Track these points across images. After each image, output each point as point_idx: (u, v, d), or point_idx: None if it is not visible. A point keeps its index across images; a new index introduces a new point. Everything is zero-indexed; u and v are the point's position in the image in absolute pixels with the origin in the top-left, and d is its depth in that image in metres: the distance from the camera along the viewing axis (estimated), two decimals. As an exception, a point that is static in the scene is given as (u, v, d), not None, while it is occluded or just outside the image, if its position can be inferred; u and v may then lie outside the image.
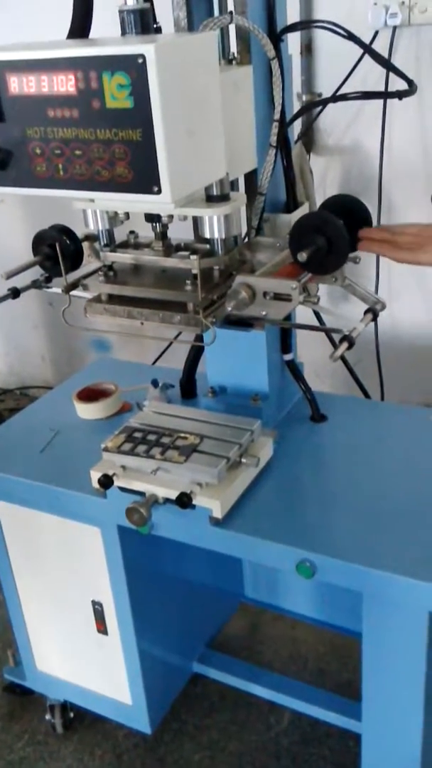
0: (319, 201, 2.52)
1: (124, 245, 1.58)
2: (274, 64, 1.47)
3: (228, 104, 1.30)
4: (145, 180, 1.13)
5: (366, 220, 1.51)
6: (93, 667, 1.96)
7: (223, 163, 1.28)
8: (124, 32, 1.27)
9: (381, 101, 2.33)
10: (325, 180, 2.58)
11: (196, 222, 1.58)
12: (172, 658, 2.08)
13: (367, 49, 1.62)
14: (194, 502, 1.47)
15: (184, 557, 1.96)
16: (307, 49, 2.43)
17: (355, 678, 2.10)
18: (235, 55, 1.50)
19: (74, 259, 1.58)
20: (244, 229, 1.63)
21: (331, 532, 1.46)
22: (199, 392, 1.93)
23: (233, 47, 1.50)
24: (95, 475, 1.57)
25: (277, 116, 1.52)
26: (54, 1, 2.13)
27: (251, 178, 1.59)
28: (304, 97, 2.48)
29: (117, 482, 1.55)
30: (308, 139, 2.52)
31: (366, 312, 1.43)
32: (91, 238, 1.60)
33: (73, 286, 1.53)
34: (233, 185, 1.49)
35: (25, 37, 1.87)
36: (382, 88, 2.31)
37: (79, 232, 1.61)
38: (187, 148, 1.16)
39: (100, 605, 1.82)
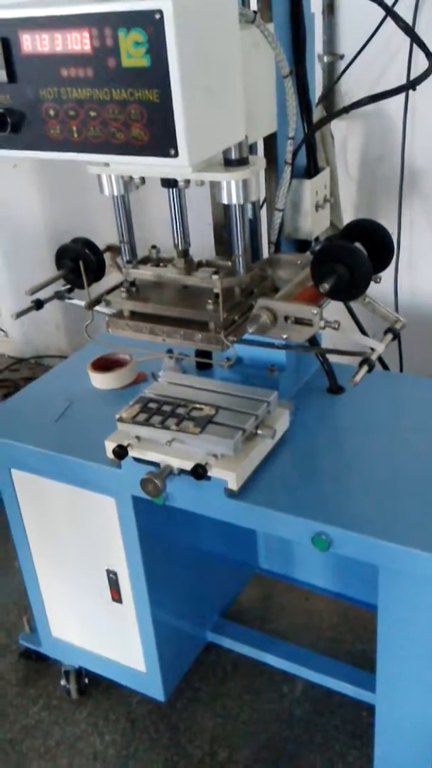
0: (339, 166, 2.47)
1: (146, 260, 1.58)
2: (288, 82, 1.40)
3: (247, 63, 1.26)
4: (162, 143, 1.10)
5: (387, 245, 1.48)
6: (107, 635, 1.97)
7: (242, 125, 1.24)
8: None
9: (404, 62, 2.25)
10: (346, 145, 2.51)
11: (219, 235, 1.59)
12: (185, 627, 2.09)
13: (390, 12, 1.55)
14: (209, 473, 1.46)
15: (198, 527, 1.95)
16: (330, 9, 2.34)
17: (369, 649, 2.11)
18: (256, 12, 1.44)
19: (97, 272, 1.62)
20: (263, 195, 1.59)
21: (347, 504, 1.45)
22: (214, 363, 1.90)
23: (254, 5, 1.45)
24: (110, 446, 1.56)
25: (291, 133, 1.46)
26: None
27: (270, 141, 1.54)
28: (325, 59, 2.40)
29: (132, 453, 1.54)
30: (329, 102, 2.45)
31: (386, 332, 1.43)
32: (114, 249, 1.63)
33: (96, 301, 1.54)
34: (252, 149, 1.45)
35: None
36: (406, 52, 2.23)
37: (96, 231, 1.60)
38: (205, 110, 1.12)
39: (115, 574, 1.82)
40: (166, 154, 1.10)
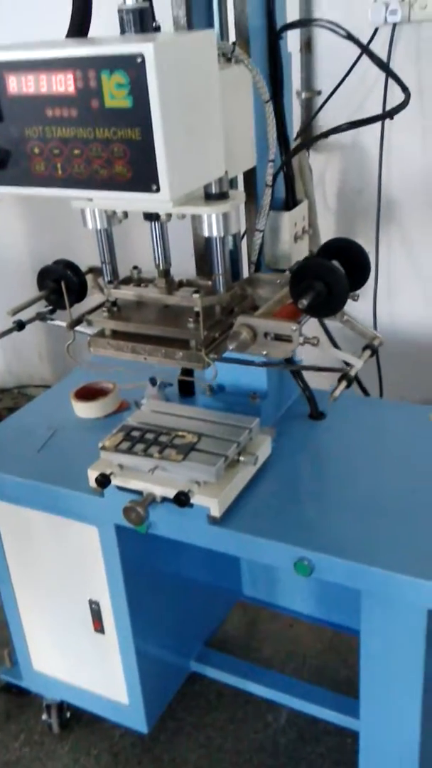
0: (318, 198, 2.52)
1: (128, 281, 1.60)
2: (268, 107, 1.47)
3: (226, 102, 1.30)
4: (144, 178, 1.13)
5: (363, 263, 1.52)
6: (89, 667, 1.96)
7: (221, 161, 1.27)
8: (123, 31, 1.27)
9: (381, 97, 2.32)
10: (324, 177, 2.58)
11: (201, 257, 1.61)
12: (169, 657, 2.08)
13: (366, 50, 1.61)
14: (192, 500, 1.47)
15: (182, 555, 1.96)
16: (307, 47, 2.42)
17: (353, 675, 2.10)
18: (234, 52, 1.49)
19: (78, 293, 1.63)
20: (243, 227, 1.63)
21: (329, 530, 1.46)
22: (197, 390, 1.92)
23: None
24: (93, 474, 1.57)
25: (272, 156, 1.52)
26: (53, 1, 2.13)
27: (250, 175, 1.58)
28: (303, 95, 2.47)
29: (114, 481, 1.55)
30: (307, 136, 2.51)
31: (364, 348, 1.46)
32: (96, 270, 1.64)
33: (78, 321, 1.56)
34: (232, 183, 1.49)
35: (24, 37, 1.87)
36: (381, 86, 2.30)
37: (80, 245, 1.62)
38: (185, 147, 1.15)
39: (97, 604, 1.82)
40: (149, 190, 1.14)
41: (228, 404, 1.76)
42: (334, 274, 1.36)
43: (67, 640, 1.95)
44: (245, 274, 1.68)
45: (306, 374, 1.86)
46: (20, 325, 1.70)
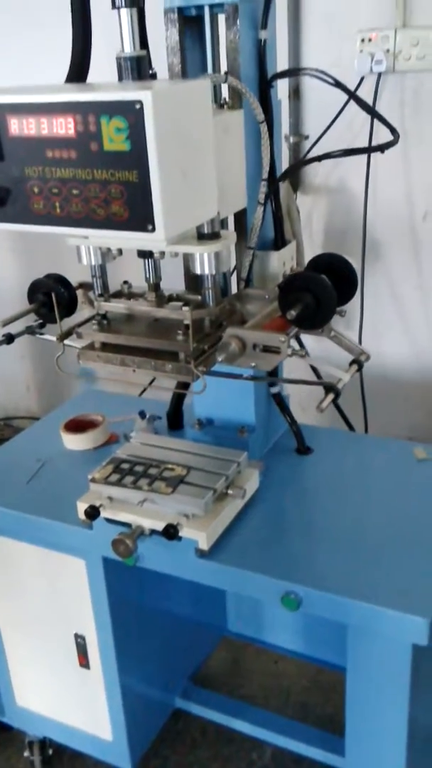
0: (305, 239, 2.59)
1: (118, 295, 1.63)
2: (263, 128, 1.53)
3: (219, 146, 1.35)
4: (140, 218, 1.17)
5: (351, 279, 1.57)
6: (74, 702, 1.94)
7: (214, 203, 1.32)
8: (121, 77, 1.32)
9: (366, 144, 2.40)
10: (311, 218, 2.65)
11: (188, 272, 1.64)
12: (154, 693, 2.07)
13: (353, 96, 1.68)
14: (181, 533, 1.48)
15: (168, 590, 1.96)
16: (295, 93, 2.51)
17: (338, 713, 2.10)
18: (227, 99, 1.55)
19: (69, 307, 1.64)
20: (233, 265, 1.67)
21: (316, 564, 1.48)
22: (185, 424, 1.95)
23: (225, 92, 1.56)
24: (82, 506, 1.58)
25: (265, 175, 1.57)
26: (50, 44, 2.20)
27: (241, 216, 1.63)
28: (291, 139, 2.55)
29: (104, 513, 1.56)
30: (295, 178, 2.59)
31: (351, 363, 1.49)
32: (86, 286, 1.66)
33: (67, 334, 1.58)
34: (223, 223, 1.53)
35: (22, 78, 1.92)
36: (367, 131, 2.38)
37: (71, 275, 1.65)
38: (180, 189, 1.20)
39: (83, 638, 1.81)
40: (144, 229, 1.18)
41: (216, 438, 1.79)
42: (323, 286, 1.40)
43: (51, 675, 1.93)
44: (234, 289, 1.71)
45: (292, 410, 1.90)
46: (9, 338, 1.69)
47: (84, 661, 1.83)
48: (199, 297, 1.53)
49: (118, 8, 1.30)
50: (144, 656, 1.92)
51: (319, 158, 1.78)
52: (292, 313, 1.38)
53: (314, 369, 1.92)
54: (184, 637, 2.19)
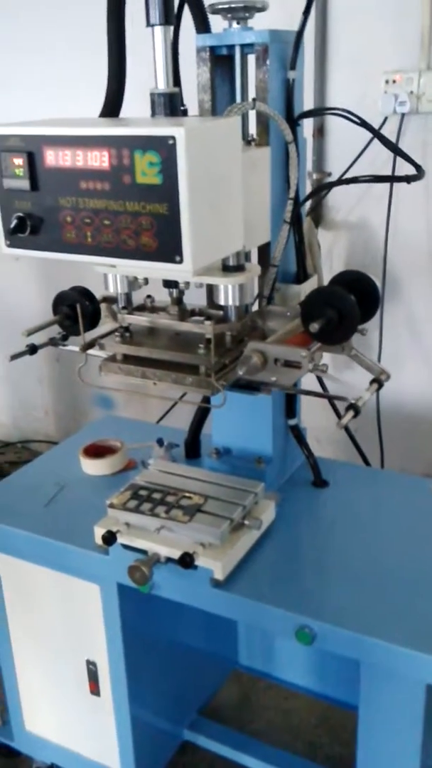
0: (325, 273, 2.62)
1: (141, 308, 1.64)
2: (291, 148, 1.57)
3: (246, 181, 1.38)
4: (169, 250, 1.20)
5: (374, 296, 1.58)
6: (83, 730, 1.92)
7: (240, 236, 1.35)
8: (154, 113, 1.36)
9: (388, 183, 2.44)
10: (331, 253, 2.68)
11: (210, 288, 1.66)
12: (163, 724, 2.05)
13: (378, 135, 1.72)
14: (196, 562, 1.48)
15: (181, 620, 1.95)
16: (319, 132, 2.56)
17: (347, 753, 2.07)
18: (254, 136, 1.59)
19: (92, 320, 1.65)
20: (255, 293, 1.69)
21: (331, 599, 1.47)
22: (203, 452, 1.96)
23: (252, 129, 1.60)
24: (99, 531, 1.58)
25: (292, 195, 1.60)
26: (82, 80, 2.27)
27: (264, 249, 1.66)
28: (314, 176, 2.59)
29: (120, 539, 1.56)
30: (317, 214, 2.63)
31: (372, 382, 1.49)
32: (109, 299, 1.67)
33: (90, 345, 1.59)
34: (246, 256, 1.56)
35: (55, 110, 1.98)
36: (388, 171, 2.42)
37: (92, 286, 1.67)
38: (208, 222, 1.23)
39: (94, 665, 1.80)
40: (172, 261, 1.21)
41: (233, 467, 1.79)
42: (346, 301, 1.41)
43: (61, 701, 1.92)
44: (256, 307, 1.72)
45: (308, 443, 1.90)
46: (33, 349, 1.70)
47: (95, 688, 1.82)
48: (221, 312, 1.55)
49: (153, 26, 1.33)
50: (155, 685, 1.91)
51: (347, 181, 1.81)
52: (315, 326, 1.39)
53: (321, 383, 1.90)
54: (195, 669, 2.17)
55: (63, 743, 1.97)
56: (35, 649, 1.91)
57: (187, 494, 1.61)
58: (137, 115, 1.42)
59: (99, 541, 1.58)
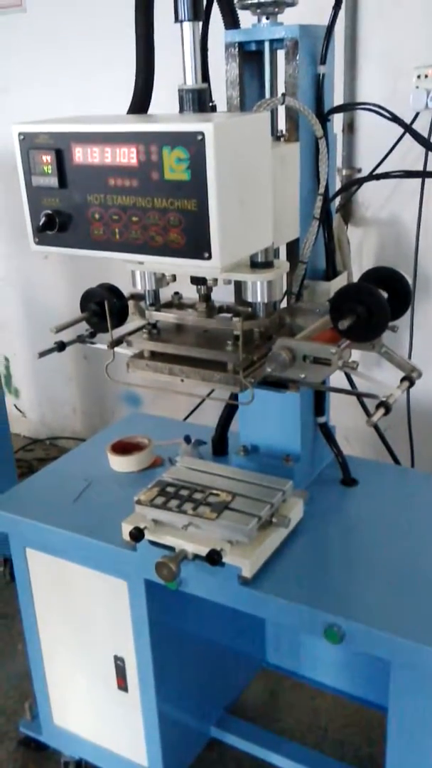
0: (355, 270, 2.59)
1: (169, 305, 1.64)
2: (322, 143, 1.55)
3: (275, 178, 1.37)
4: (197, 246, 1.20)
5: (405, 293, 1.56)
6: (111, 725, 1.93)
7: (269, 232, 1.34)
8: (182, 109, 1.36)
9: (419, 179, 2.41)
10: (361, 250, 2.65)
11: (238, 285, 1.65)
12: (190, 721, 2.05)
13: (410, 129, 1.69)
14: (224, 559, 1.48)
15: (208, 617, 1.95)
16: (349, 128, 2.54)
17: (376, 752, 2.05)
18: (283, 132, 1.58)
19: (120, 317, 1.66)
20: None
21: (360, 597, 1.46)
22: (230, 450, 1.95)
23: (281, 125, 1.59)
24: (127, 528, 1.59)
25: (321, 190, 1.59)
26: (110, 78, 2.28)
27: (293, 246, 1.65)
28: (344, 172, 2.57)
29: (148, 536, 1.56)
30: (346, 211, 2.60)
31: (403, 379, 1.47)
32: (137, 297, 1.67)
33: (118, 342, 1.60)
34: (275, 253, 1.55)
35: (81, 106, 1.96)
36: (420, 167, 2.39)
37: (118, 282, 1.67)
38: (237, 219, 1.22)
39: (122, 661, 1.81)
40: (200, 257, 1.20)
41: (261, 465, 1.78)
42: (376, 298, 1.40)
43: (89, 696, 1.93)
44: (284, 303, 1.71)
45: (339, 442, 1.88)
46: (61, 346, 1.71)
47: (122, 684, 1.83)
48: (249, 309, 1.54)
49: (181, 22, 1.32)
50: (182, 682, 1.91)
51: (378, 176, 1.78)
52: (345, 323, 1.37)
53: (350, 380, 1.89)
54: (222, 666, 2.17)
55: (91, 738, 1.98)
56: (63, 645, 1.92)
57: (214, 491, 1.61)
58: (165, 111, 1.42)
59: (127, 537, 1.59)
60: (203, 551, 1.48)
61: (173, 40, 1.35)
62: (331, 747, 2.19)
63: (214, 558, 1.46)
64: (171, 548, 1.54)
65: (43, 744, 2.13)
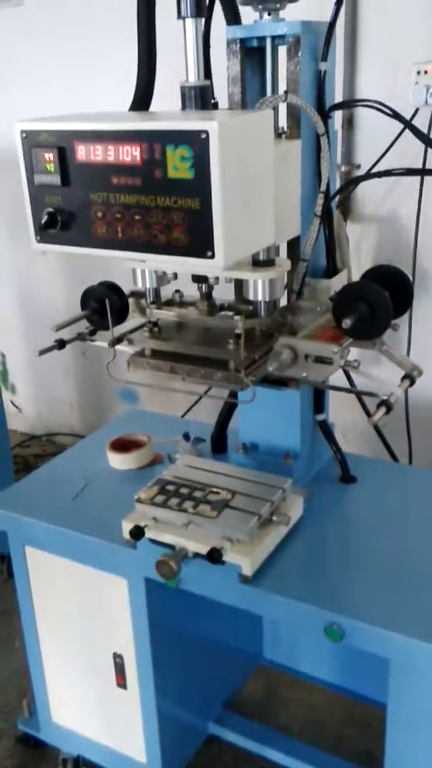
0: (353, 268, 2.59)
1: (170, 303, 1.64)
2: (323, 140, 1.55)
3: (276, 175, 1.37)
4: (200, 245, 1.19)
5: (407, 290, 1.56)
6: (109, 722, 1.94)
7: (272, 230, 1.34)
8: (184, 106, 1.35)
9: (419, 176, 2.40)
10: (360, 247, 2.65)
11: (239, 283, 1.65)
12: (189, 718, 2.05)
13: (409, 126, 1.69)
14: (224, 558, 1.48)
15: (207, 614, 1.95)
16: (349, 123, 2.53)
17: (373, 748, 2.06)
18: (285, 129, 1.57)
19: (120, 315, 1.65)
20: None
21: (360, 595, 1.46)
22: (229, 448, 1.95)
23: (282, 121, 1.58)
24: (127, 526, 1.59)
25: (323, 188, 1.59)
26: (108, 74, 2.27)
27: (294, 244, 1.65)
28: (343, 168, 2.56)
29: (148, 534, 1.56)
30: (345, 207, 2.60)
31: (403, 378, 1.47)
32: (138, 294, 1.66)
33: (119, 340, 1.59)
34: (276, 250, 1.55)
35: (78, 101, 1.93)
36: (419, 163, 2.39)
37: (118, 280, 1.67)
38: (240, 217, 1.22)
39: (121, 658, 1.81)
40: (203, 256, 1.20)
41: (260, 463, 1.79)
42: (378, 296, 1.39)
43: (88, 693, 1.93)
44: (284, 301, 1.69)
45: (337, 439, 1.88)
46: (61, 344, 1.70)
47: (121, 681, 1.83)
48: (250, 307, 1.53)
49: (184, 18, 1.31)
50: (181, 679, 1.91)
51: (380, 174, 1.78)
52: (347, 322, 1.37)
53: (349, 379, 1.89)
54: (221, 663, 2.18)
55: (89, 735, 1.98)
56: (63, 641, 1.92)
57: (214, 489, 1.61)
58: (164, 108, 1.41)
59: (127, 535, 1.58)
60: (203, 549, 1.48)
61: (175, 36, 1.35)
62: (328, 743, 2.19)
63: (214, 556, 1.47)
64: (171, 546, 1.54)
65: (41, 741, 2.13)
